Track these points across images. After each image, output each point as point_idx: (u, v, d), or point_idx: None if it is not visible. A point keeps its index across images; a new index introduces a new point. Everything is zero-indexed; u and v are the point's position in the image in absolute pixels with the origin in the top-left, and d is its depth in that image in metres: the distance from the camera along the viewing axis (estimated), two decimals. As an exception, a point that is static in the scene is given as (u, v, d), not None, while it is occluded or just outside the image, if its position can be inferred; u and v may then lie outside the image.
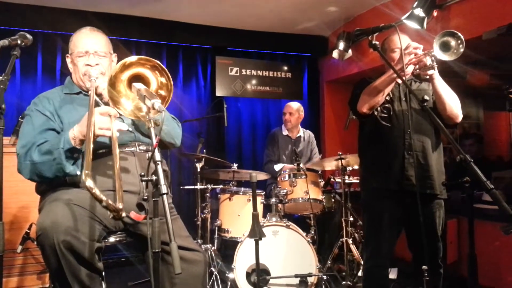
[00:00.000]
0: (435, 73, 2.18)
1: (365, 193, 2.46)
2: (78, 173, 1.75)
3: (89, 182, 1.36)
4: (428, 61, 2.15)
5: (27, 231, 2.66)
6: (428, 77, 2.21)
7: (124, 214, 1.43)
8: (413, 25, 3.31)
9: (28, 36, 1.74)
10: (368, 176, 2.44)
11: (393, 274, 3.37)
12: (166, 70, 1.63)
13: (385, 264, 2.34)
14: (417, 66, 2.21)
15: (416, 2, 3.29)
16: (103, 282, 1.76)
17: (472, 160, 1.47)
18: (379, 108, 2.32)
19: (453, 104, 2.24)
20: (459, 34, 2.02)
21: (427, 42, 2.77)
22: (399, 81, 2.26)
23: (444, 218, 2.35)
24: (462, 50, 2.02)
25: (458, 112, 2.26)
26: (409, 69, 2.22)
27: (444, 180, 2.32)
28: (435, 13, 3.36)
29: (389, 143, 2.30)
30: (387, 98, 2.30)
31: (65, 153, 1.67)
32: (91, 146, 1.53)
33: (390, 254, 2.36)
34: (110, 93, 1.62)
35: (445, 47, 2.05)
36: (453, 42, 2.04)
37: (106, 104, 1.83)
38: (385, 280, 2.37)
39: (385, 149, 2.32)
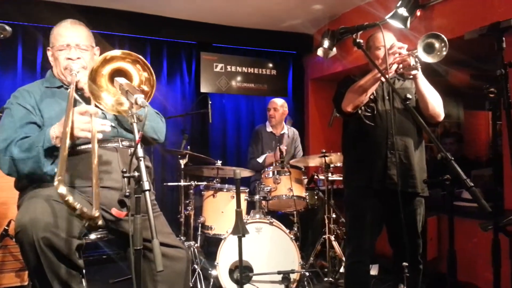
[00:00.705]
0: (418, 73, 2.21)
1: (349, 191, 2.48)
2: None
3: (62, 189, 1.31)
4: (411, 61, 2.17)
5: (6, 228, 2.61)
6: (411, 76, 2.24)
7: (100, 222, 1.40)
8: (396, 24, 3.35)
9: (7, 28, 1.70)
10: (352, 174, 2.46)
11: (374, 271, 3.41)
12: (149, 64, 1.61)
13: (366, 260, 2.36)
14: (400, 66, 2.23)
15: (400, 2, 3.32)
16: (83, 280, 1.73)
17: (453, 158, 1.49)
18: (363, 107, 2.33)
19: (435, 103, 2.27)
20: (443, 36, 2.04)
21: (411, 41, 2.80)
22: (383, 79, 2.28)
23: (424, 215, 2.39)
24: (445, 53, 2.04)
25: (440, 111, 2.30)
26: (393, 68, 2.24)
27: (426, 178, 2.36)
28: (418, 13, 3.40)
29: (373, 142, 2.32)
30: (371, 97, 2.32)
31: (45, 152, 1.64)
32: (66, 150, 1.49)
33: (371, 251, 2.38)
34: (90, 87, 1.59)
35: (429, 49, 2.07)
36: (437, 44, 2.06)
37: (88, 99, 1.79)
38: (366, 276, 2.39)
39: (368, 148, 2.34)
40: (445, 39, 2.04)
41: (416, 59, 2.16)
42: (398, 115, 2.32)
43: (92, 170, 1.54)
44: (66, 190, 1.32)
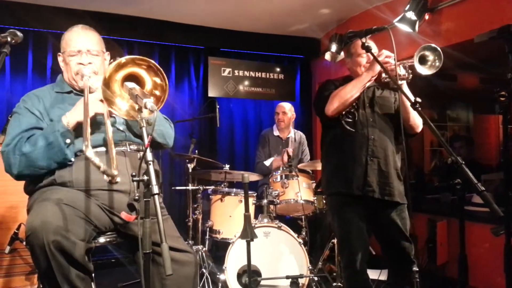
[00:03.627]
0: (403, 83, 2.19)
1: (330, 198, 2.43)
2: (73, 159, 1.74)
3: (90, 152, 1.44)
4: (402, 71, 2.15)
5: (16, 231, 2.63)
6: (395, 86, 2.20)
7: (118, 179, 1.49)
8: (405, 28, 3.33)
9: (19, 33, 1.71)
10: (332, 180, 2.41)
11: (383, 276, 3.38)
12: (162, 70, 1.62)
13: (363, 268, 2.27)
14: (383, 75, 2.20)
15: (408, 5, 3.31)
16: (93, 283, 1.74)
17: (463, 162, 1.48)
18: (344, 113, 2.31)
19: (416, 114, 2.24)
20: (436, 46, 2.02)
21: (419, 45, 2.78)
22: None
23: (409, 218, 2.30)
24: (438, 63, 2.02)
25: (419, 122, 2.29)
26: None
27: (402, 185, 2.32)
28: (426, 16, 3.38)
29: (353, 148, 2.29)
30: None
31: (61, 136, 1.68)
32: (89, 122, 1.60)
33: (365, 257, 2.28)
34: (104, 93, 1.60)
35: (423, 60, 2.05)
36: (431, 57, 2.04)
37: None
38: (366, 283, 2.33)
39: (349, 154, 2.31)
40: (439, 49, 2.01)
41: (409, 71, 2.14)
42: (379, 121, 2.31)
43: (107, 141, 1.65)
44: (93, 153, 1.45)
